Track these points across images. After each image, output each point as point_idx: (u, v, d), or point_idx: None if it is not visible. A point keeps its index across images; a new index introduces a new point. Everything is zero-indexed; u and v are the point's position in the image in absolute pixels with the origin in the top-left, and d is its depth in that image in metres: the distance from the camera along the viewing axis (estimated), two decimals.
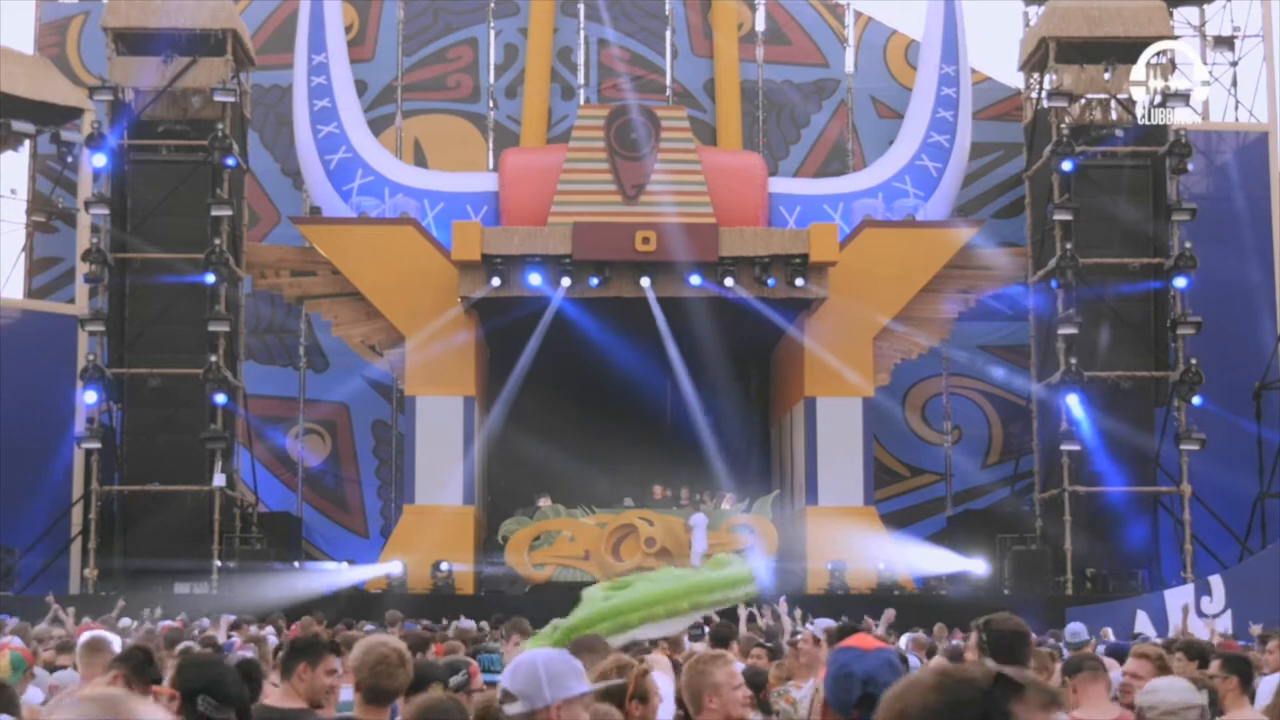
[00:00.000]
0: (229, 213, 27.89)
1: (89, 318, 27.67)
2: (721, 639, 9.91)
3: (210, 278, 27.49)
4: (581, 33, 33.95)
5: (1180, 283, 28.31)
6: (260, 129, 31.93)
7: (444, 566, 26.89)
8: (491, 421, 29.71)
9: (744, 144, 32.59)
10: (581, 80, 33.89)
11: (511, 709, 3.88)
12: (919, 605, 24.03)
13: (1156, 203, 29.17)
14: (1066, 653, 12.47)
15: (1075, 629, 13.45)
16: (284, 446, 31.94)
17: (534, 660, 3.99)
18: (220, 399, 27.27)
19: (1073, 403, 27.94)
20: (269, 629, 17.65)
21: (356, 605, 23.86)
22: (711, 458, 28.96)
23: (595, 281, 27.37)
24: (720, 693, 5.10)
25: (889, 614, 14.70)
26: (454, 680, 6.28)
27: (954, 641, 12.85)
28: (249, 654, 9.63)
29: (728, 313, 27.85)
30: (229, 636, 15.02)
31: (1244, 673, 7.32)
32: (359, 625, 17.28)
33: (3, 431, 27.40)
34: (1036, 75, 30.84)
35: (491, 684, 6.40)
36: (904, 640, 13.53)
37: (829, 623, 12.79)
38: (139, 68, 28.80)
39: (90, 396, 27.26)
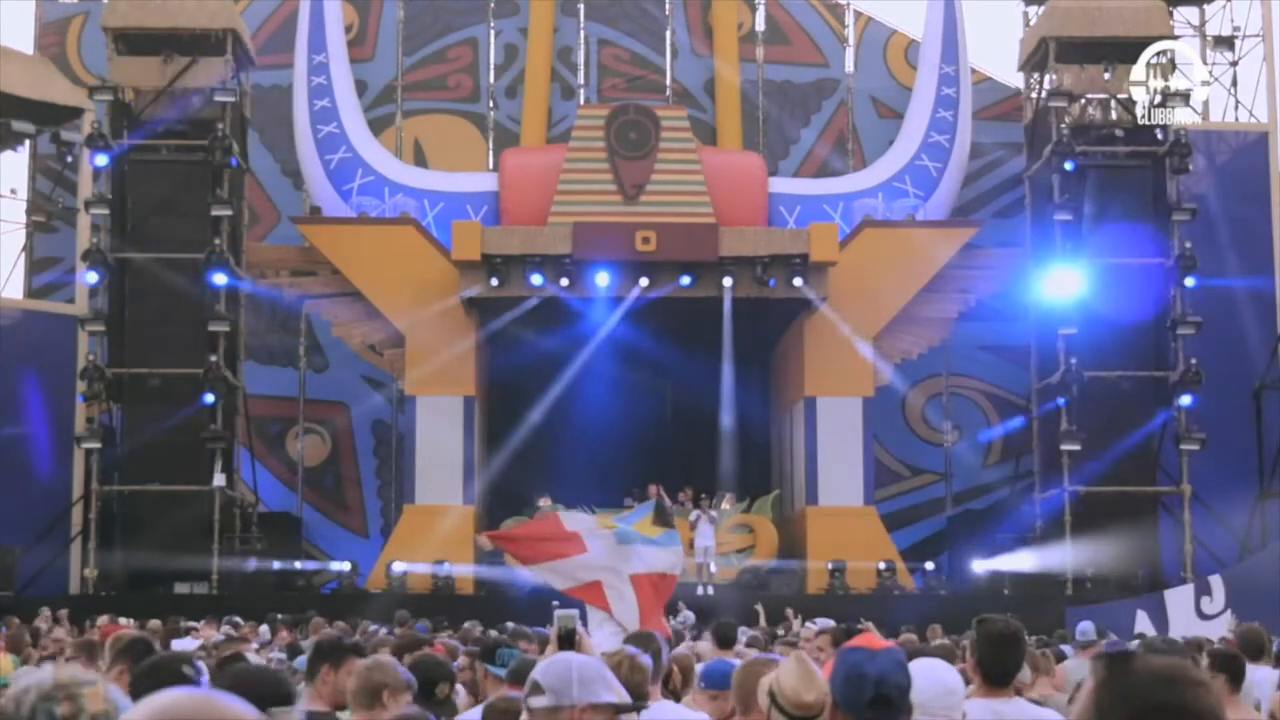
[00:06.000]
0: (229, 213, 27.88)
1: (89, 318, 27.64)
2: (725, 638, 9.84)
3: (211, 278, 27.48)
4: (581, 33, 33.94)
5: (1181, 283, 28.29)
6: (260, 129, 31.90)
7: (444, 566, 26.90)
8: (491, 421, 29.68)
9: (744, 144, 32.57)
10: (581, 80, 33.89)
11: (537, 702, 3.86)
12: (919, 605, 24.01)
13: (1156, 203, 29.16)
14: (1071, 652, 12.48)
15: (1084, 628, 13.41)
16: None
17: (569, 661, 4.00)
18: (209, 398, 27.21)
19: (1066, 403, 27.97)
20: (262, 628, 17.60)
21: (358, 604, 23.85)
22: (711, 458, 28.90)
23: (596, 281, 27.35)
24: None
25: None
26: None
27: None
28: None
29: (727, 312, 27.82)
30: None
31: (1233, 671, 7.31)
32: (362, 625, 17.26)
33: (2, 431, 27.39)
34: (1036, 75, 30.84)
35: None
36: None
37: (827, 622, 12.69)
38: (139, 68, 28.80)
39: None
